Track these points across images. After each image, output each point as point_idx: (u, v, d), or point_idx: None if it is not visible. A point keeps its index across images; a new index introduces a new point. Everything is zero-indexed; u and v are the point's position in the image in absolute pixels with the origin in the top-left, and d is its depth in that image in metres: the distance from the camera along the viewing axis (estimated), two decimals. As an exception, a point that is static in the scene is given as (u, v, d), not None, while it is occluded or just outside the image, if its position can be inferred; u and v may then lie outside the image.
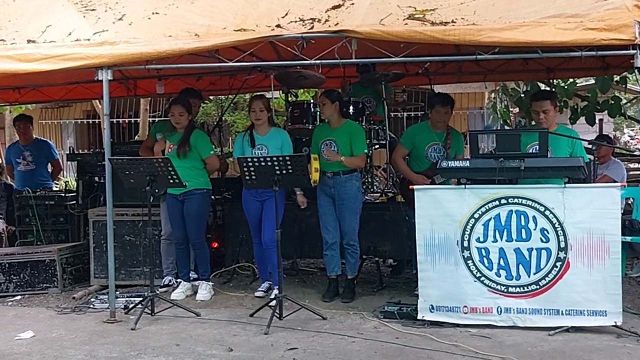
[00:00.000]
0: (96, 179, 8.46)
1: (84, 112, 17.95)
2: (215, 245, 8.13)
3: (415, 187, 6.01)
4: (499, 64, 8.84)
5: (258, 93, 7.80)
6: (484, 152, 6.83)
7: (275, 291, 6.47)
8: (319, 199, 6.83)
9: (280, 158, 6.04)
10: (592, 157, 6.13)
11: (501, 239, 5.70)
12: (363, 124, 7.83)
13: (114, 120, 16.13)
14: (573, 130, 6.58)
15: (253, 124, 6.95)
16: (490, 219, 5.71)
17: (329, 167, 6.69)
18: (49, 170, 9.71)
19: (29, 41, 6.28)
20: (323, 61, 6.09)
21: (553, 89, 9.30)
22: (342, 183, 6.70)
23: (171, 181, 6.40)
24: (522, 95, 10.56)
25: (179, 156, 6.83)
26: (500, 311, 5.68)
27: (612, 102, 9.80)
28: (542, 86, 9.78)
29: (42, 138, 10.35)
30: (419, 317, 5.81)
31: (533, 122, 6.53)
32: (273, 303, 6.08)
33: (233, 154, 7.13)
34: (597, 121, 10.45)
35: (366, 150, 7.07)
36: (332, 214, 6.75)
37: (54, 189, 9.76)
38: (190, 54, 6.16)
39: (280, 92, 8.71)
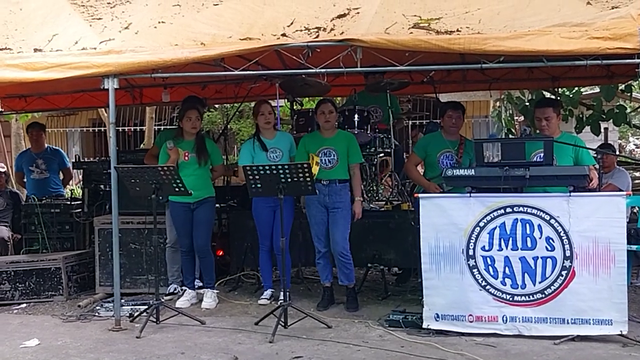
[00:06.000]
0: (102, 187, 8.46)
1: (90, 120, 18.01)
2: (220, 253, 8.13)
3: (420, 195, 6.02)
4: (504, 72, 8.84)
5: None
6: (490, 160, 6.84)
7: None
8: (309, 209, 6.80)
9: (286, 166, 6.05)
10: (597, 165, 6.13)
11: (506, 248, 5.70)
12: (368, 132, 7.84)
13: (120, 128, 16.16)
14: (578, 138, 6.58)
15: (258, 130, 7.00)
16: (495, 228, 5.71)
17: (325, 175, 6.69)
18: (60, 178, 9.74)
19: (35, 50, 6.31)
20: (328, 70, 6.11)
21: (558, 98, 9.30)
22: (337, 191, 6.69)
23: (176, 189, 6.42)
24: (527, 103, 10.56)
25: (200, 164, 6.91)
26: (506, 320, 5.67)
27: (617, 110, 9.79)
28: (547, 95, 9.78)
29: (54, 147, 10.40)
30: (424, 326, 5.80)
31: (538, 130, 6.55)
32: (278, 311, 6.07)
33: (239, 162, 7.14)
34: (602, 130, 10.44)
35: (362, 160, 7.08)
36: (324, 224, 6.73)
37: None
38: (196, 62, 6.18)
39: (286, 100, 8.73)
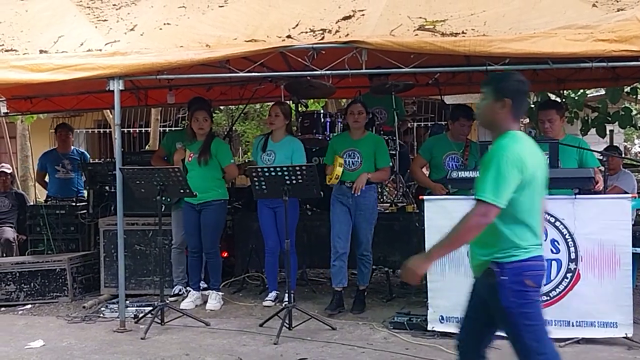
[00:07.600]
0: (107, 188, 8.47)
1: (95, 121, 18.00)
2: (225, 254, 8.12)
3: (425, 197, 6.01)
4: (509, 74, 8.81)
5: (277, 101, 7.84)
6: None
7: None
8: (333, 207, 6.74)
9: (290, 168, 6.05)
10: (602, 168, 6.12)
11: (511, 250, 5.67)
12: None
13: (125, 129, 16.14)
14: (582, 140, 6.57)
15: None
16: (500, 230, 5.68)
17: (348, 177, 6.64)
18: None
19: (41, 51, 6.34)
20: (333, 72, 6.12)
21: (563, 100, 9.28)
22: (361, 194, 6.63)
23: (182, 191, 6.43)
24: (532, 106, 10.53)
25: (200, 164, 6.87)
26: (511, 322, 5.65)
27: (623, 113, 9.77)
28: (553, 97, 9.76)
29: (79, 149, 10.44)
30: (428, 328, 5.79)
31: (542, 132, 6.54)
32: (282, 313, 6.07)
33: (252, 156, 7.25)
34: (607, 132, 10.42)
35: (390, 164, 7.07)
36: (346, 224, 6.67)
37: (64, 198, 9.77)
38: (201, 64, 6.19)
39: (291, 102, 8.74)
